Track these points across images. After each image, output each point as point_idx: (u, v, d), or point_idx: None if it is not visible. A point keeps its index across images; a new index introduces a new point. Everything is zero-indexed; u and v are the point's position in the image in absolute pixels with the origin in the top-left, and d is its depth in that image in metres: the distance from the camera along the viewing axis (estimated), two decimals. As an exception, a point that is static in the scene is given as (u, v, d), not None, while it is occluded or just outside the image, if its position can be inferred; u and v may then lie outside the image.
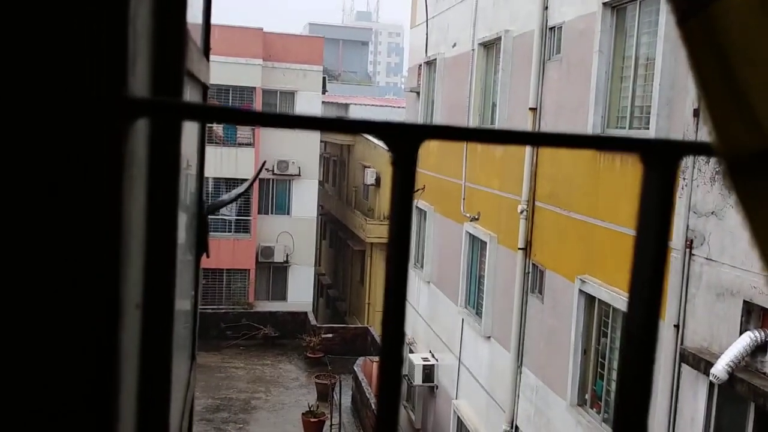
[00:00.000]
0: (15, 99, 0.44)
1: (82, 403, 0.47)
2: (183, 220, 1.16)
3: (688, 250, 6.43)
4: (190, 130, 1.21)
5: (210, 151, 22.81)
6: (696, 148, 0.54)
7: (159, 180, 0.67)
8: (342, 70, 65.21)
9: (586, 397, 8.46)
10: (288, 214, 24.89)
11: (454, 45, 13.23)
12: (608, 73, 8.14)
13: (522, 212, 9.84)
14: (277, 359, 21.34)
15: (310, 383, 19.21)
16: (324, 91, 26.02)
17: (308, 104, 24.61)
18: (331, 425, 16.24)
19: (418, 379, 13.52)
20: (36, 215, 0.45)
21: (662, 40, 6.94)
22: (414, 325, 15.26)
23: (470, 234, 12.01)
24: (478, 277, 11.86)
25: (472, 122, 12.07)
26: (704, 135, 6.03)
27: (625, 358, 0.54)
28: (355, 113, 31.78)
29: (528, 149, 9.72)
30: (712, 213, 6.18)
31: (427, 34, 14.56)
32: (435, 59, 14.18)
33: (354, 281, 25.29)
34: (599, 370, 8.26)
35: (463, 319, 12.21)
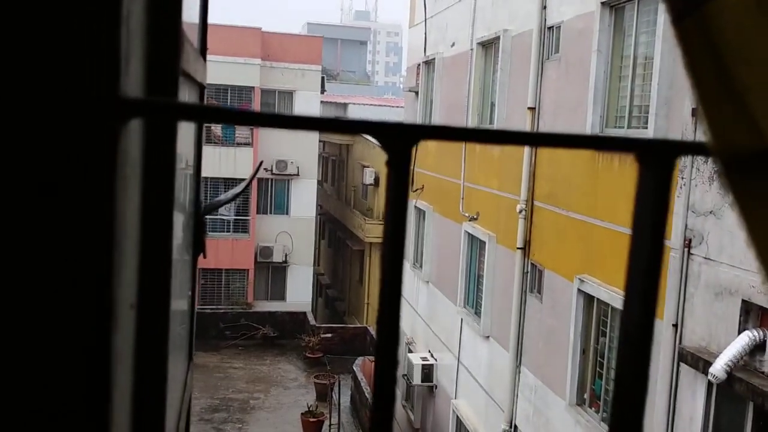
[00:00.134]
0: (6, 99, 0.44)
1: (75, 404, 0.46)
2: (179, 220, 1.16)
3: (686, 249, 6.43)
4: (186, 130, 1.21)
5: (208, 150, 22.79)
6: (692, 148, 0.54)
7: (154, 180, 0.67)
8: (340, 69, 65.22)
9: (585, 396, 8.47)
10: (287, 213, 24.87)
11: (453, 44, 13.23)
12: (607, 72, 8.14)
13: (521, 212, 9.84)
14: (276, 359, 21.33)
15: (309, 383, 19.20)
16: (322, 90, 26.00)
17: (307, 104, 24.60)
18: (330, 425, 16.24)
19: (417, 379, 13.51)
20: (27, 215, 0.44)
21: (661, 39, 6.94)
22: (413, 325, 15.26)
23: (469, 234, 12.01)
24: (477, 277, 11.86)
25: (471, 122, 12.07)
26: (702, 135, 6.02)
27: (621, 356, 0.54)
28: (354, 113, 31.77)
29: (527, 149, 9.73)
30: (710, 212, 6.18)
31: (425, 33, 14.56)
32: (434, 59, 14.18)
33: (353, 281, 25.28)
34: (598, 369, 8.26)
35: (462, 319, 12.21)
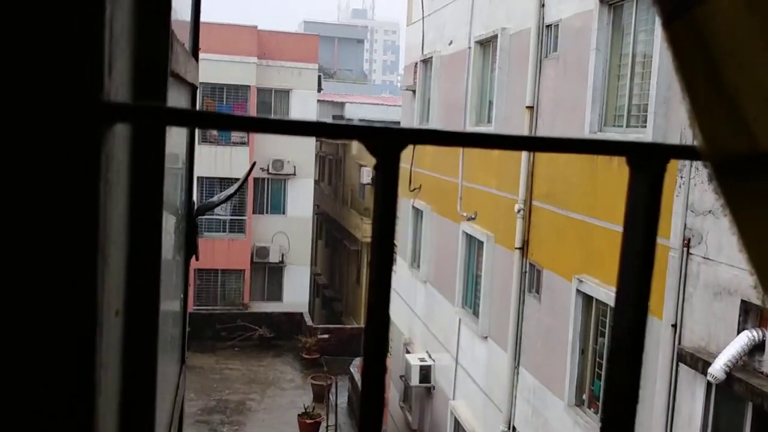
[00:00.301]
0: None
1: (58, 412, 0.46)
2: (171, 222, 1.15)
3: (685, 249, 6.43)
4: (178, 130, 1.20)
5: (204, 150, 22.76)
6: (683, 152, 0.54)
7: (142, 185, 0.66)
8: (337, 68, 65.20)
9: (584, 397, 8.47)
10: (283, 213, 24.86)
11: (451, 43, 13.22)
12: (605, 71, 8.13)
13: (519, 211, 9.84)
14: (273, 360, 21.31)
15: (305, 384, 19.19)
16: (319, 89, 25.99)
17: (303, 103, 24.58)
18: (327, 426, 16.23)
19: (415, 380, 13.51)
20: (7, 221, 0.43)
21: (659, 38, 6.94)
22: (411, 325, 15.25)
23: (467, 233, 12.01)
24: (475, 277, 11.86)
25: (469, 120, 12.07)
26: (694, 137, 6.02)
27: (612, 357, 0.53)
28: (351, 112, 31.75)
29: (524, 148, 9.70)
30: (709, 212, 6.18)
31: (423, 31, 14.55)
32: (431, 57, 14.17)
33: (350, 281, 25.27)
34: (597, 370, 8.26)
35: (460, 319, 12.21)
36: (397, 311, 16.44)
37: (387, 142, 0.47)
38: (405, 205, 15.64)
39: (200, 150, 22.33)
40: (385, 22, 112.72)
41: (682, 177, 6.52)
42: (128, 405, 0.68)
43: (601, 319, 8.13)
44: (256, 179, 24.03)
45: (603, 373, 8.09)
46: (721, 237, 5.99)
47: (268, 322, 22.86)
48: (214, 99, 23.66)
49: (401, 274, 16.02)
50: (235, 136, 23.86)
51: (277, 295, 24.83)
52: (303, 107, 24.45)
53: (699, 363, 5.96)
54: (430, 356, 13.71)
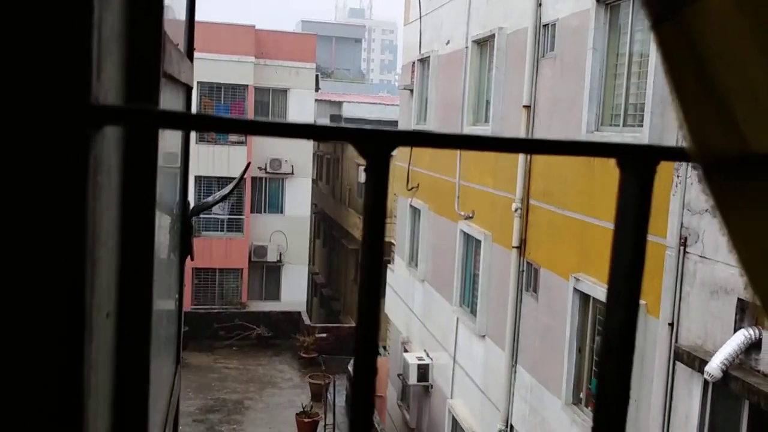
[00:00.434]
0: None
1: (46, 413, 0.46)
2: (166, 222, 1.15)
3: (682, 247, 6.44)
4: (172, 132, 1.19)
5: (202, 149, 22.74)
6: (672, 154, 0.54)
7: (134, 187, 0.66)
8: (335, 67, 65.16)
9: (581, 395, 8.47)
10: (281, 212, 24.84)
11: (448, 42, 13.22)
12: (602, 70, 8.14)
13: (516, 210, 9.84)
14: (271, 359, 21.31)
15: (303, 383, 19.19)
16: (317, 88, 25.97)
17: (301, 102, 24.57)
18: (325, 425, 16.23)
19: (412, 379, 13.51)
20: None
21: (656, 43, 6.94)
22: (408, 324, 15.25)
23: (465, 232, 12.01)
24: (473, 276, 11.86)
25: (466, 120, 12.07)
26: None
27: (604, 357, 0.53)
28: (349, 111, 31.73)
29: (521, 147, 9.71)
30: (705, 211, 6.19)
31: (420, 31, 14.55)
32: (429, 57, 14.17)
33: (348, 280, 25.26)
34: (594, 368, 8.27)
35: (457, 318, 12.21)
36: (395, 310, 16.44)
37: (377, 144, 0.47)
38: (403, 204, 15.63)
39: (198, 149, 22.32)
40: (382, 21, 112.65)
41: (678, 176, 6.53)
42: (120, 406, 0.68)
43: (598, 317, 8.14)
44: (253, 179, 24.01)
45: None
46: (718, 236, 6.00)
47: (266, 321, 22.84)
48: (211, 98, 23.63)
49: (399, 272, 16.02)
50: (233, 135, 23.84)
51: (275, 294, 24.82)
52: (301, 107, 24.43)
53: (696, 361, 5.97)
54: (428, 355, 13.72)
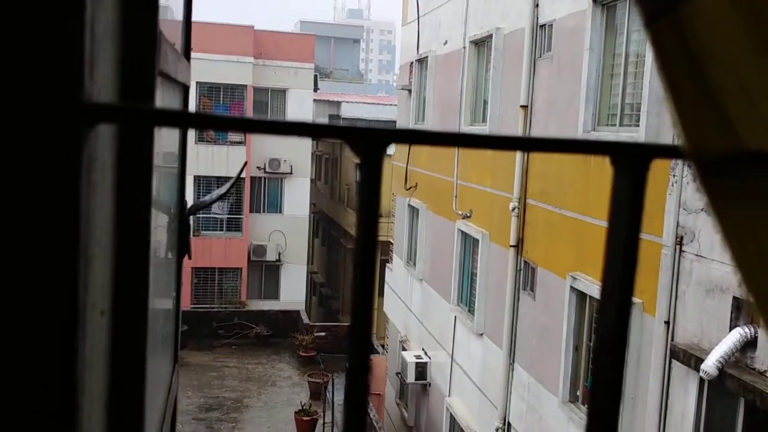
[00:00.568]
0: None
1: (39, 412, 0.46)
2: (163, 221, 1.15)
3: (678, 246, 6.45)
4: (169, 130, 1.20)
5: (201, 149, 22.73)
6: (666, 152, 0.54)
7: (129, 186, 0.66)
8: (334, 67, 65.15)
9: (578, 393, 8.49)
10: (280, 212, 24.84)
11: (446, 43, 13.23)
12: (599, 70, 8.15)
13: (514, 210, 9.85)
14: (270, 358, 21.31)
15: (302, 382, 19.20)
16: (315, 88, 25.97)
17: (300, 102, 24.56)
18: (324, 424, 16.24)
19: (410, 377, 13.52)
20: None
21: (649, 41, 6.95)
22: (406, 323, 15.26)
23: (462, 231, 12.02)
24: (471, 275, 11.87)
25: (464, 120, 12.07)
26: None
27: (597, 355, 0.54)
28: (347, 111, 31.73)
29: (519, 147, 9.71)
30: (701, 210, 6.20)
31: (418, 31, 14.55)
32: (426, 57, 14.18)
33: (347, 279, 25.27)
34: (591, 366, 8.28)
35: (455, 317, 12.23)
36: (393, 309, 16.45)
37: (370, 141, 0.47)
38: (401, 203, 15.64)
39: (197, 149, 22.31)
40: (380, 21, 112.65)
41: (674, 175, 6.54)
42: (116, 405, 0.68)
43: (594, 316, 8.15)
44: (252, 178, 24.02)
45: (598, 370, 8.10)
46: (713, 235, 6.01)
47: (265, 320, 22.84)
48: (210, 99, 23.63)
49: (397, 272, 16.02)
50: (232, 135, 23.83)
51: (273, 293, 24.83)
52: (299, 107, 24.43)
53: (692, 359, 5.98)
54: (426, 353, 13.73)
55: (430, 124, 13.84)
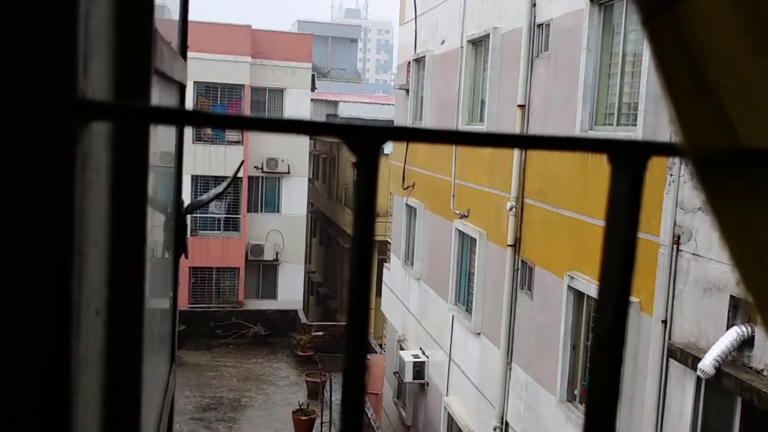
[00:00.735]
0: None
1: (32, 411, 0.45)
2: (159, 220, 1.14)
3: (675, 245, 6.46)
4: (165, 129, 1.19)
5: (199, 149, 22.71)
6: (664, 149, 0.54)
7: (124, 184, 0.66)
8: (331, 67, 65.13)
9: (576, 392, 8.50)
10: (278, 212, 24.83)
11: (443, 42, 13.23)
12: (596, 70, 8.16)
13: (511, 209, 9.86)
14: (268, 358, 21.30)
15: (300, 381, 19.19)
16: (313, 88, 25.96)
17: (297, 102, 24.55)
18: (322, 423, 16.24)
19: (408, 376, 13.53)
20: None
21: (646, 39, 6.95)
22: (404, 322, 15.26)
23: (460, 231, 12.02)
24: (468, 274, 11.88)
25: (461, 119, 12.08)
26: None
27: (595, 355, 0.53)
28: (345, 110, 31.73)
29: (516, 146, 9.72)
30: (698, 209, 6.21)
31: (415, 31, 14.55)
32: (424, 56, 14.18)
33: (344, 279, 25.26)
34: (588, 365, 8.29)
35: (453, 316, 12.23)
36: (390, 308, 16.45)
37: (366, 139, 0.47)
38: (399, 202, 15.64)
39: (195, 149, 22.29)
40: (378, 21, 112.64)
41: (671, 174, 6.55)
42: (112, 404, 0.68)
43: (592, 315, 8.16)
44: (250, 178, 24.00)
45: (595, 369, 8.11)
46: (711, 234, 6.02)
47: (262, 319, 22.83)
48: (208, 98, 23.60)
49: (395, 271, 16.02)
50: (230, 135, 23.83)
51: (271, 292, 24.82)
52: (297, 106, 24.42)
53: (689, 358, 5.99)
54: (423, 353, 13.73)
55: (428, 123, 13.85)
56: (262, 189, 24.74)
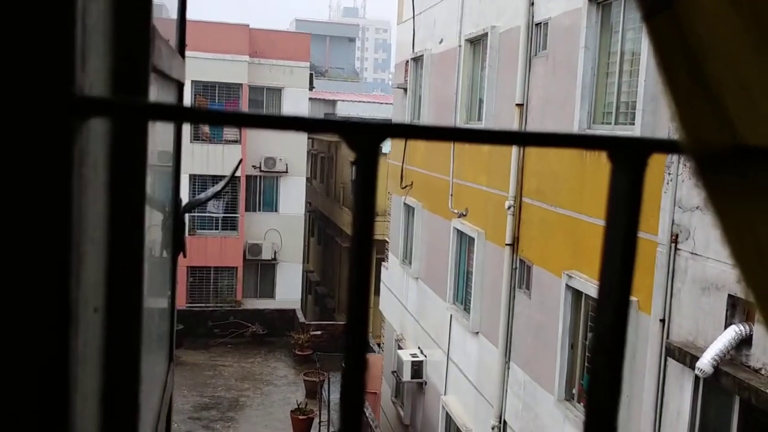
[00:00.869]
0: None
1: (31, 408, 0.45)
2: (157, 218, 1.14)
3: (673, 244, 6.46)
4: (164, 127, 1.19)
5: (197, 148, 22.69)
6: (664, 146, 0.54)
7: (122, 181, 0.65)
8: (329, 66, 65.08)
9: (574, 391, 8.50)
10: (276, 211, 24.82)
11: (441, 41, 13.22)
12: (594, 69, 8.16)
13: (509, 208, 9.86)
14: (266, 357, 21.29)
15: (298, 380, 19.18)
16: (311, 87, 25.95)
17: (295, 101, 24.54)
18: (320, 422, 16.24)
19: (406, 376, 13.53)
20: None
21: (647, 35, 6.96)
22: (402, 321, 15.26)
23: (458, 230, 12.02)
24: (466, 273, 11.88)
25: (459, 118, 12.08)
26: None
27: (595, 354, 0.53)
28: (343, 110, 31.72)
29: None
30: (697, 208, 6.21)
31: (413, 30, 14.54)
32: (422, 55, 14.17)
33: (342, 278, 25.26)
34: (586, 364, 8.30)
35: (451, 315, 12.23)
36: (389, 307, 16.45)
37: (365, 136, 0.46)
38: (397, 202, 15.64)
39: (193, 148, 22.27)
40: (376, 20, 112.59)
41: (669, 173, 6.55)
42: (110, 403, 0.68)
43: (590, 314, 8.16)
44: (248, 177, 23.99)
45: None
46: (709, 233, 6.02)
47: (260, 318, 22.82)
48: (206, 97, 23.59)
49: (393, 270, 16.02)
50: (228, 134, 23.81)
51: (269, 292, 24.81)
52: (295, 105, 24.41)
53: (687, 357, 6.00)
54: (421, 352, 13.74)
55: (426, 122, 13.84)
56: (260, 188, 24.72)
